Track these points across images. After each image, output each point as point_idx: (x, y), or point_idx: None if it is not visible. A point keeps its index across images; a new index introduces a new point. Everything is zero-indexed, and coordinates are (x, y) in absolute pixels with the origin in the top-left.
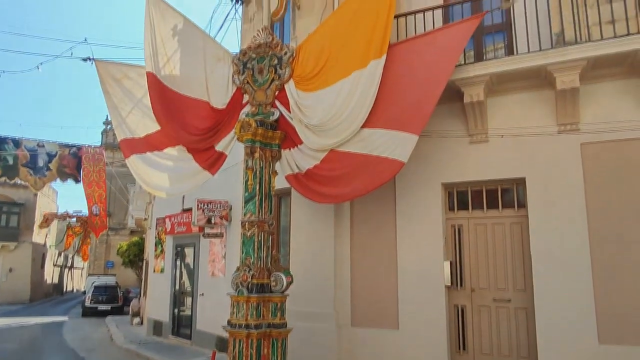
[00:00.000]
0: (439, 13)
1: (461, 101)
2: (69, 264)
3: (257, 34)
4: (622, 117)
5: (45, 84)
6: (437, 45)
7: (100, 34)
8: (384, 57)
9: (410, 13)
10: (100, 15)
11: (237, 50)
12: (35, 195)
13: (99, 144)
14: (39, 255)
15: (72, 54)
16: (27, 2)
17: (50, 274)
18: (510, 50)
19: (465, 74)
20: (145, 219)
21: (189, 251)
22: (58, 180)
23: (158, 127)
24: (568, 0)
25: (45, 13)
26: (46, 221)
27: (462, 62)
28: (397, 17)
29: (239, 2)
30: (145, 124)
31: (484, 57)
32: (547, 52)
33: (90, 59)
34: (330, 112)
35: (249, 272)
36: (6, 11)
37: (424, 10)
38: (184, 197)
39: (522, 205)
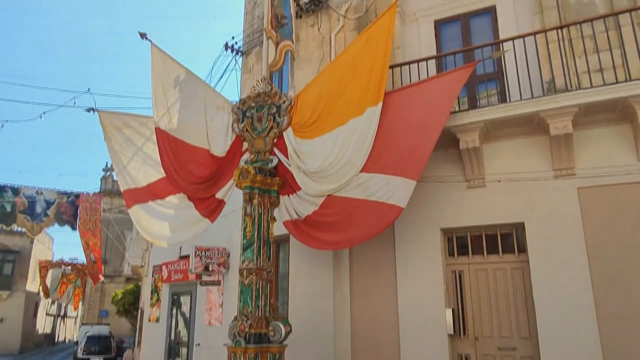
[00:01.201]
0: (432, 63)
1: (457, 147)
2: (62, 313)
3: (257, 84)
4: (616, 161)
5: (46, 131)
6: (432, 92)
7: (103, 84)
8: (380, 104)
9: (405, 63)
10: (104, 66)
11: (237, 100)
12: (32, 242)
13: (98, 190)
14: (32, 303)
15: (75, 103)
16: (33, 53)
17: (42, 324)
18: (503, 98)
19: (460, 121)
20: (142, 266)
21: (185, 299)
22: (56, 225)
23: (160, 175)
24: (557, 50)
25: (50, 64)
26: (45, 268)
27: (457, 110)
28: (392, 67)
29: (239, 53)
30: (145, 172)
31: (478, 104)
32: (539, 99)
33: (93, 110)
34: (329, 160)
35: (246, 321)
36: (11, 62)
37: (418, 61)
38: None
39: (523, 250)
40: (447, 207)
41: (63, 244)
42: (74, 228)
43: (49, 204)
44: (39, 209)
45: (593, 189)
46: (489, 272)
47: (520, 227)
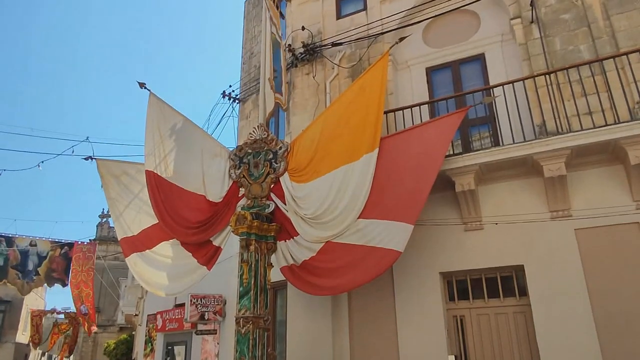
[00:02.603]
0: (425, 109)
1: (453, 190)
2: None
3: (254, 131)
4: (611, 202)
5: (42, 179)
6: (426, 137)
7: (102, 132)
8: (376, 150)
9: (398, 109)
10: (102, 114)
11: (234, 145)
12: None
13: (94, 237)
14: (21, 355)
15: (73, 151)
16: (32, 103)
17: None
18: (496, 141)
19: (455, 165)
20: (136, 315)
21: (180, 350)
22: (45, 285)
23: (153, 222)
24: (546, 95)
25: (50, 113)
26: (39, 317)
27: (451, 153)
28: (386, 113)
29: (236, 101)
30: (140, 219)
31: (471, 147)
32: (531, 142)
33: (91, 158)
34: (325, 204)
35: None
36: (10, 111)
37: (411, 107)
38: None
39: (524, 293)
40: (445, 251)
41: (56, 293)
42: (64, 285)
43: (41, 258)
44: (30, 265)
45: (590, 230)
46: (491, 317)
47: (519, 269)
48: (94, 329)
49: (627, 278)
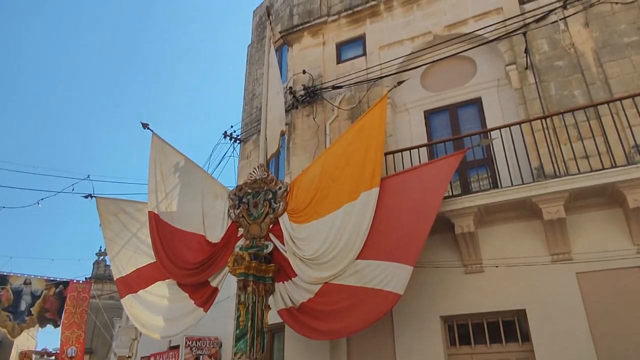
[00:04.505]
0: (423, 150)
1: (453, 232)
2: None
3: (254, 171)
4: (611, 246)
5: (41, 217)
6: (425, 178)
7: (103, 170)
8: (374, 189)
9: (397, 151)
10: (104, 152)
11: (234, 185)
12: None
13: (90, 275)
14: None
15: (73, 189)
16: (33, 141)
17: None
18: (494, 183)
19: (454, 206)
20: (129, 357)
21: None
22: (37, 326)
23: (149, 261)
24: (542, 138)
25: (51, 151)
26: (28, 358)
27: (450, 194)
28: (385, 154)
29: (237, 141)
30: (136, 258)
31: (470, 188)
32: (530, 185)
33: (91, 196)
34: (324, 245)
35: None
36: (12, 149)
37: (410, 149)
38: None
39: (526, 338)
40: (445, 294)
41: (48, 332)
42: (56, 326)
43: (34, 297)
44: (23, 306)
45: (591, 274)
46: None
47: (521, 314)
48: None
49: (631, 322)
